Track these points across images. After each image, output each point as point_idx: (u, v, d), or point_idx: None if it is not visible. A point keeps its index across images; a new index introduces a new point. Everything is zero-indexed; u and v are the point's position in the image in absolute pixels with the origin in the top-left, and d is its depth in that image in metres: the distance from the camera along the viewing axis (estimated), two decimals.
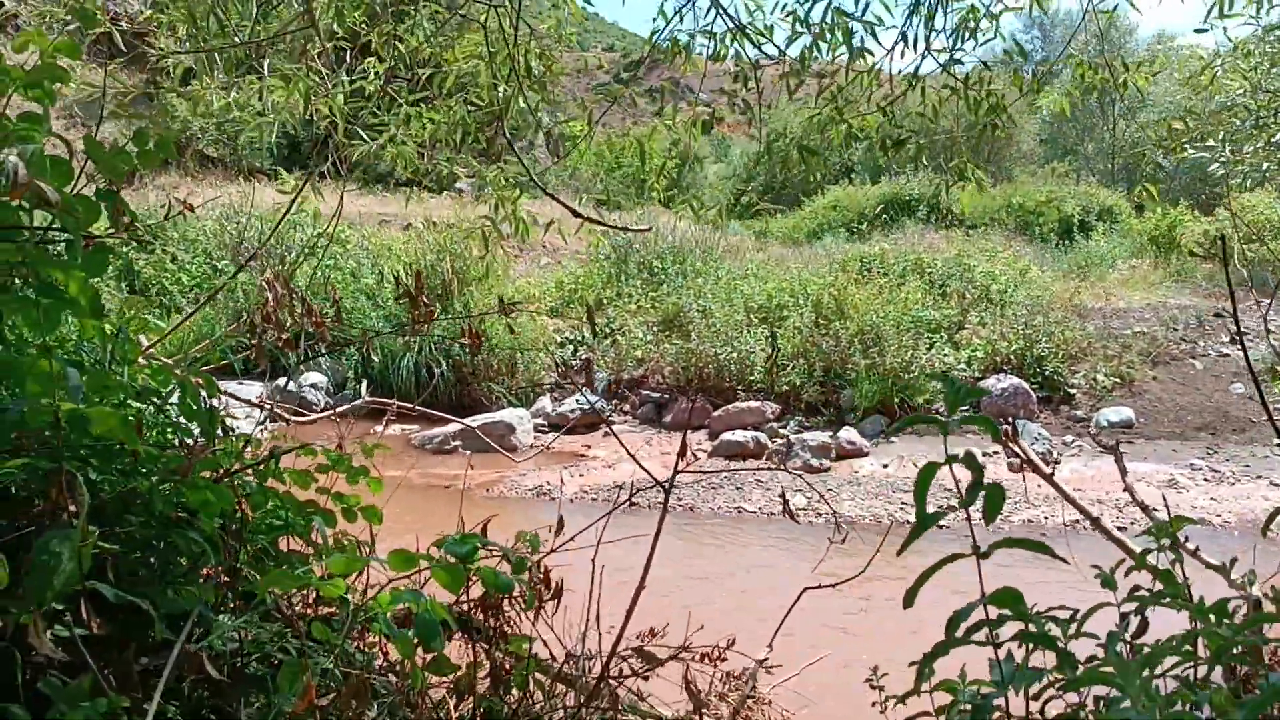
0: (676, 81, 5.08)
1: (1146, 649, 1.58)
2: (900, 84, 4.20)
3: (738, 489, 10.83)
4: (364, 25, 4.45)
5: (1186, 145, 5.83)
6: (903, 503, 10.42)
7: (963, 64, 4.27)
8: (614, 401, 14.59)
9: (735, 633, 3.39)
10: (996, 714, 1.60)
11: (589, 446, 12.89)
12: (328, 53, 4.33)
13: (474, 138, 4.04)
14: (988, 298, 16.10)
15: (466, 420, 10.55)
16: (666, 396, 14.15)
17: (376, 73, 4.15)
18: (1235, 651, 1.43)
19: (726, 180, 39.56)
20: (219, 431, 2.66)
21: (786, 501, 3.00)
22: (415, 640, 1.65)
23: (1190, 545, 3.13)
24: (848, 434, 12.47)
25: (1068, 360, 14.46)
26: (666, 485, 2.42)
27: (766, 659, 2.66)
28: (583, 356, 15.62)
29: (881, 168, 31.87)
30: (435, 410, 7.40)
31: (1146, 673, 1.50)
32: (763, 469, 11.42)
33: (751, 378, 13.82)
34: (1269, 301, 13.69)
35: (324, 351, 12.82)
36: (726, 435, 12.56)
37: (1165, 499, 3.25)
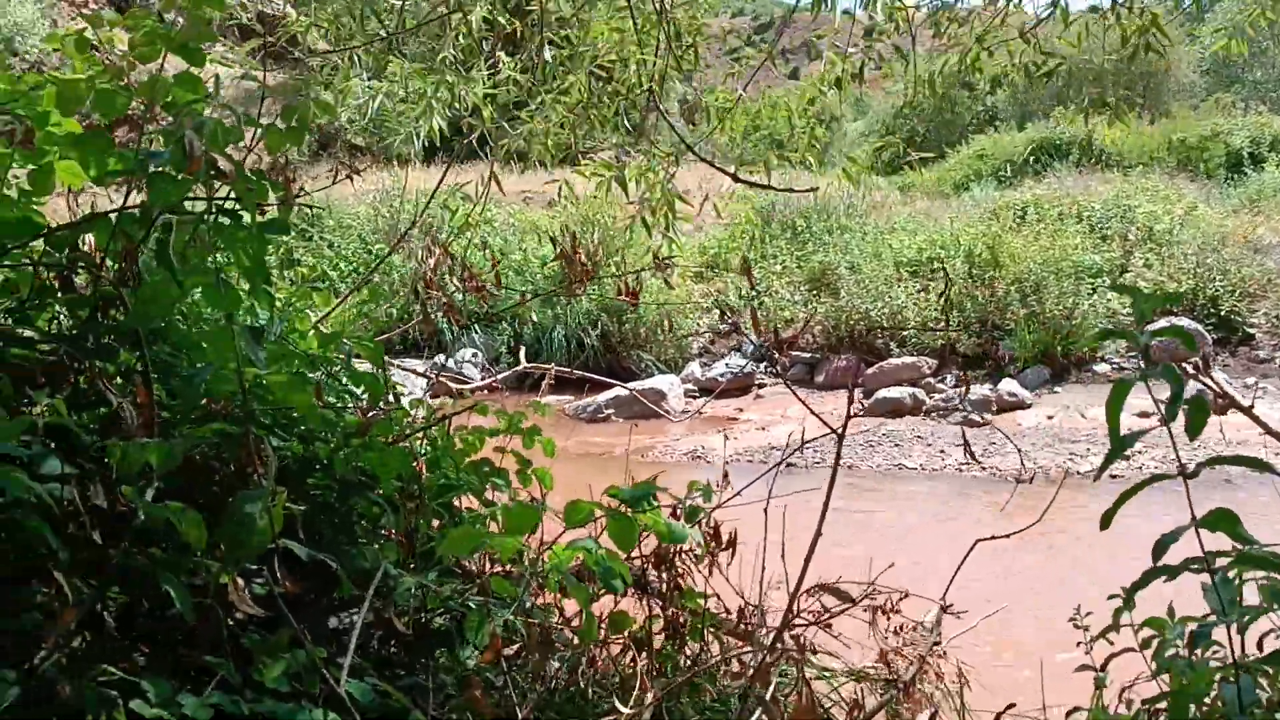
0: (809, 42, 4.99)
1: None
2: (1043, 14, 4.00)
3: (896, 446, 10.60)
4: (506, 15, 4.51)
5: None
6: (1071, 453, 10.01)
7: None
8: (763, 364, 14.47)
9: (906, 587, 3.29)
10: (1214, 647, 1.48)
11: (741, 410, 12.84)
12: (475, 42, 4.39)
13: (616, 117, 4.06)
14: (1152, 239, 15.29)
15: (627, 384, 10.69)
16: (817, 356, 13.95)
17: (517, 62, 4.20)
18: None
19: (865, 137, 38.55)
20: (389, 397, 2.72)
21: (968, 443, 2.89)
22: (595, 590, 1.63)
23: None
24: (1008, 386, 12.07)
25: (1245, 299, 13.62)
26: (840, 431, 2.35)
27: (950, 605, 2.57)
28: (732, 319, 15.53)
29: (1027, 113, 30.39)
30: (592, 375, 7.51)
31: None
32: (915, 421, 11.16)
33: (905, 333, 13.50)
34: None
35: (485, 316, 13.10)
36: (882, 393, 12.31)
37: None
